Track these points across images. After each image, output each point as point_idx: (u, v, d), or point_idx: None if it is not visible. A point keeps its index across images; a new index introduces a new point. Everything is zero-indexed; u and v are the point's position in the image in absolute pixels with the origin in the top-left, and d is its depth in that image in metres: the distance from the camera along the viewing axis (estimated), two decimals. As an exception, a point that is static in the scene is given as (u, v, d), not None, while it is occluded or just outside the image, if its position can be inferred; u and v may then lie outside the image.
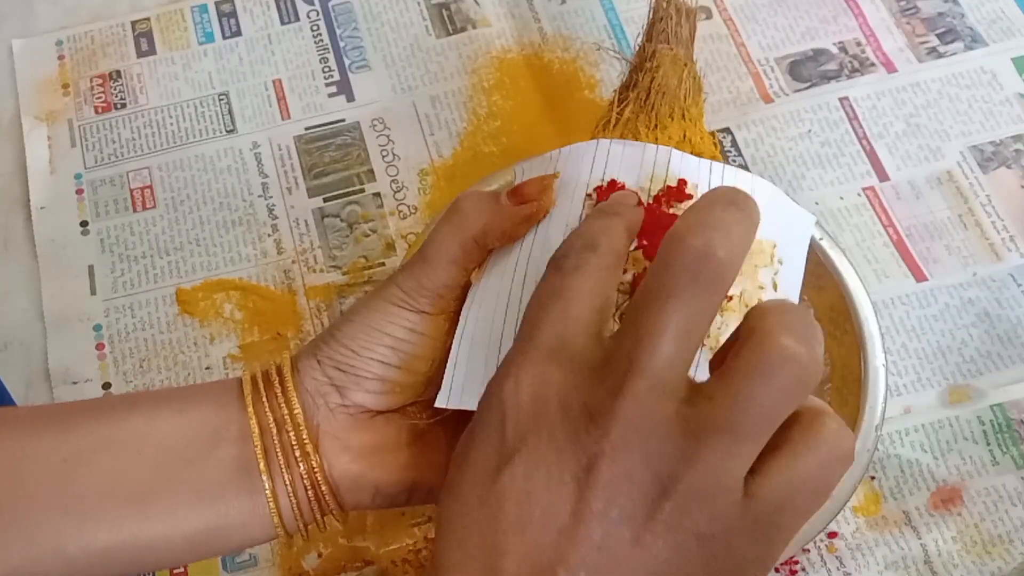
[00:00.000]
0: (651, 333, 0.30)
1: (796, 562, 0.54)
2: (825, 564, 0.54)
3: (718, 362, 0.32)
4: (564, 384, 0.31)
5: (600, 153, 0.40)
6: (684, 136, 0.49)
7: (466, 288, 0.40)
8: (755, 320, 0.30)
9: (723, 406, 0.29)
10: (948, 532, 0.55)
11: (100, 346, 0.62)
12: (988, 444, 0.57)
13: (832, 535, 0.55)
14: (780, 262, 0.39)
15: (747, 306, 0.37)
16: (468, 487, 0.32)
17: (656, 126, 0.49)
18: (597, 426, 0.30)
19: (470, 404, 0.37)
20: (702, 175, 0.39)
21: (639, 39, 0.53)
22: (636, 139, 0.49)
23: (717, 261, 0.30)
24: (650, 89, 0.50)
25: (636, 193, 0.38)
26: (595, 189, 0.39)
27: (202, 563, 0.55)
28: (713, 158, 0.40)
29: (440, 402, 0.38)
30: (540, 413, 0.31)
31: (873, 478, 0.56)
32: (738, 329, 0.31)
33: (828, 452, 0.30)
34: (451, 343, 0.40)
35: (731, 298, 0.37)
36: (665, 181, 0.38)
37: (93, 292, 0.63)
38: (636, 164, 0.39)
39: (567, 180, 0.39)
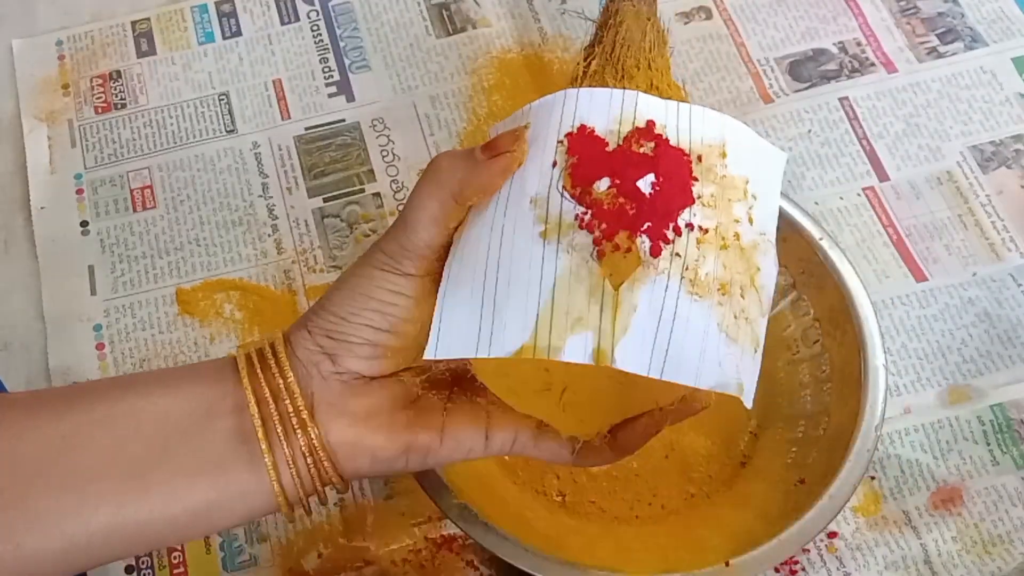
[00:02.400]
0: None
1: (796, 562, 0.54)
2: (825, 564, 0.54)
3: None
4: None
5: (569, 101, 0.40)
6: (651, 84, 0.50)
7: (448, 248, 0.40)
8: None
9: None
10: (948, 532, 0.55)
11: (100, 346, 0.62)
12: (988, 444, 0.57)
13: (832, 535, 0.55)
14: (754, 197, 0.40)
15: (723, 239, 0.38)
16: None
17: (623, 77, 0.50)
18: None
19: (456, 354, 0.38)
20: (670, 115, 0.40)
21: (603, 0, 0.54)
22: None
23: None
24: (615, 43, 0.51)
25: None
26: (566, 135, 0.39)
27: (203, 562, 0.55)
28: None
29: (428, 354, 0.39)
30: None
31: (873, 478, 0.56)
32: None
33: None
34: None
35: (707, 231, 0.38)
36: (634, 123, 0.39)
37: (93, 292, 0.63)
38: (604, 108, 0.40)
39: (538, 130, 0.40)
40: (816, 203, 0.64)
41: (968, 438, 0.57)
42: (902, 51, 0.70)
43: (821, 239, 0.55)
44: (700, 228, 0.38)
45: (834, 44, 0.70)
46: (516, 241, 0.38)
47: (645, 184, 0.38)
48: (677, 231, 0.37)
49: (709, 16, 0.72)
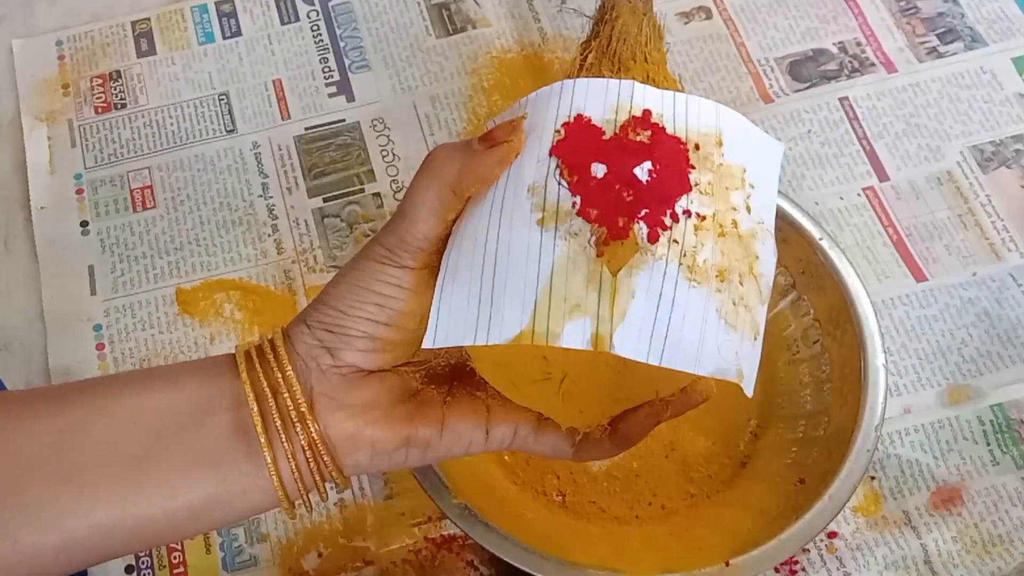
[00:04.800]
0: None
1: (796, 562, 0.54)
2: (825, 564, 0.54)
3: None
4: None
5: (566, 91, 0.40)
6: (647, 76, 0.51)
7: (447, 240, 0.41)
8: None
9: None
10: (948, 532, 0.55)
11: (100, 346, 0.62)
12: (988, 444, 0.57)
13: (832, 535, 0.55)
14: (751, 186, 0.40)
15: (721, 226, 0.38)
16: None
17: (619, 69, 0.50)
18: None
19: (455, 342, 0.38)
20: (666, 104, 0.40)
21: None
22: None
23: None
24: (611, 37, 0.51)
25: None
26: (563, 124, 0.40)
27: (203, 562, 0.55)
28: None
29: (426, 343, 0.39)
30: None
31: (873, 478, 0.56)
32: None
33: None
34: None
35: (705, 218, 0.38)
36: (630, 111, 0.39)
37: (93, 292, 0.63)
38: (601, 97, 0.40)
39: (536, 119, 0.40)
40: (816, 203, 0.64)
41: (968, 438, 0.57)
42: (902, 51, 0.70)
43: (821, 239, 0.55)
44: (698, 215, 0.38)
45: (834, 44, 0.70)
46: (514, 229, 0.38)
47: (642, 172, 0.38)
48: (675, 218, 0.37)
49: (709, 16, 0.72)
